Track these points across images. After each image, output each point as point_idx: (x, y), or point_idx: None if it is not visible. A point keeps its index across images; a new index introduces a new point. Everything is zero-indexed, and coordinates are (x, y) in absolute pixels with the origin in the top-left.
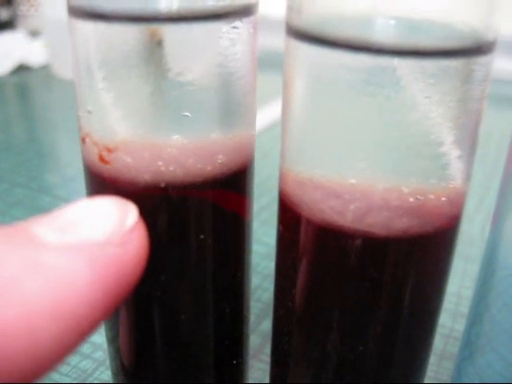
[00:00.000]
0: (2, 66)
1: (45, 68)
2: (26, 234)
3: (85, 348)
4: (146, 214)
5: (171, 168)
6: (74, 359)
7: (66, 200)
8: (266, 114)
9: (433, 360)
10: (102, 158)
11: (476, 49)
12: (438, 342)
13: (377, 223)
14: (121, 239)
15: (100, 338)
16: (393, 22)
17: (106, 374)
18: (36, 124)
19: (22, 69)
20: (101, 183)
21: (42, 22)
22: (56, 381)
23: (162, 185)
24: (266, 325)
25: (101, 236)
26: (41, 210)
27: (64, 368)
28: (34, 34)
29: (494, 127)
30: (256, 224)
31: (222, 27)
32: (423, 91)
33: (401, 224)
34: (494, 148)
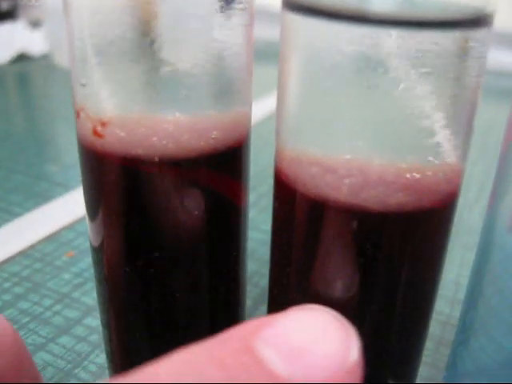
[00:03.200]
0: (3, 55)
1: (45, 57)
2: (252, 354)
3: (80, 331)
4: (139, 190)
5: (164, 142)
6: (69, 342)
7: (64, 186)
8: (265, 104)
9: (430, 346)
10: (95, 132)
11: (474, 21)
12: (436, 329)
13: (372, 198)
14: (345, 374)
15: (95, 321)
16: None
17: (102, 357)
18: (36, 113)
19: (22, 58)
20: (94, 157)
21: (43, 11)
22: (51, 363)
23: (156, 159)
24: (263, 310)
25: (328, 373)
26: (38, 196)
27: (59, 351)
28: (35, 23)
29: (494, 119)
30: (255, 212)
31: (218, 2)
32: (419, 66)
33: (396, 199)
34: (494, 139)
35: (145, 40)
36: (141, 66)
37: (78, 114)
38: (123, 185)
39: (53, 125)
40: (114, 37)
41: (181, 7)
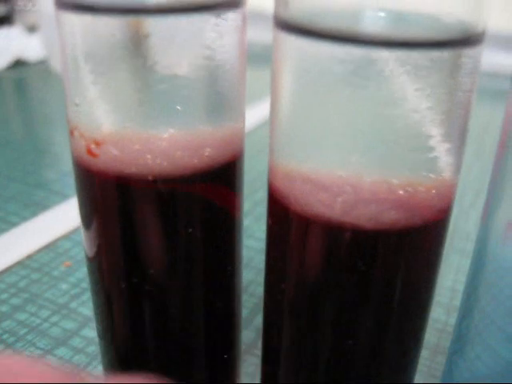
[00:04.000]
0: (0, 61)
1: (42, 63)
2: None
3: (77, 342)
4: (133, 207)
5: (158, 161)
6: (67, 354)
7: (61, 194)
8: (261, 110)
9: (426, 354)
10: (89, 151)
11: (464, 40)
12: (432, 337)
13: (365, 216)
14: None
15: (92, 332)
16: (381, 13)
17: (99, 369)
18: (33, 119)
19: (19, 64)
20: (89, 176)
21: (39, 17)
22: None
23: (150, 178)
24: (260, 319)
25: None
26: (36, 205)
27: (57, 362)
28: (32, 29)
29: (489, 122)
30: (250, 219)
31: (210, 19)
32: (411, 83)
33: (389, 217)
34: (490, 143)
35: (137, 58)
36: (134, 84)
37: (71, 133)
38: (118, 203)
39: (50, 131)
40: (107, 56)
41: (173, 25)
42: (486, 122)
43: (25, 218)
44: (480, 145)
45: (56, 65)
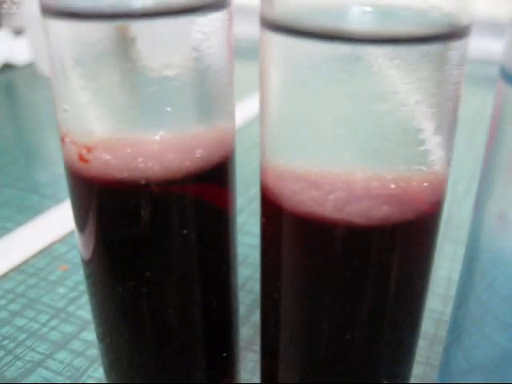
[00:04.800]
0: None
1: (29, 66)
2: None
3: (77, 345)
4: (127, 211)
5: (150, 164)
6: (67, 357)
7: (54, 198)
8: (253, 105)
9: (424, 345)
10: (81, 157)
11: (451, 34)
12: (429, 327)
13: (357, 212)
14: None
15: (91, 334)
16: (367, 9)
17: (100, 372)
18: (22, 123)
19: (6, 67)
20: (82, 182)
21: (25, 19)
22: (49, 380)
23: (142, 182)
24: (258, 316)
25: None
26: (29, 210)
27: (57, 366)
28: (18, 32)
29: (482, 111)
30: (245, 216)
31: (197, 20)
32: (400, 78)
33: (382, 212)
34: (482, 132)
35: (125, 62)
36: (122, 88)
37: (62, 139)
38: (111, 207)
39: (40, 135)
40: (95, 62)
41: (159, 28)
42: (479, 111)
43: (19, 223)
44: (471, 132)
45: (43, 68)
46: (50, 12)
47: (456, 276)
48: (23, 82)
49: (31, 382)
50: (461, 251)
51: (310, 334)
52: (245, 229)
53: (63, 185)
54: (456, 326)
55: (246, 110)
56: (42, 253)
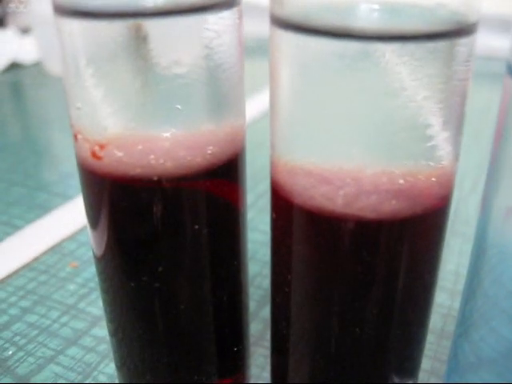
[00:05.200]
0: None
1: (37, 65)
2: None
3: (88, 342)
4: (140, 208)
5: (162, 161)
6: (78, 353)
7: (63, 196)
8: (262, 101)
9: (432, 339)
10: (94, 154)
11: (459, 31)
12: (437, 322)
13: (367, 207)
14: None
15: (102, 330)
16: (375, 7)
17: (111, 367)
18: (31, 122)
19: (14, 66)
20: (94, 179)
21: (32, 18)
22: (61, 375)
23: (155, 178)
24: (267, 311)
25: None
26: (39, 208)
27: (69, 362)
28: (25, 31)
29: (489, 106)
30: (253, 212)
31: (208, 19)
32: (408, 74)
33: (391, 207)
34: (489, 125)
35: (137, 60)
36: (134, 86)
37: (75, 137)
38: (124, 204)
39: (48, 133)
40: (107, 60)
41: (171, 27)
42: (485, 106)
43: (29, 221)
44: (479, 128)
45: (51, 66)
46: (63, 11)
47: (463, 271)
48: (30, 80)
49: (43, 377)
50: (468, 246)
51: (320, 328)
52: (253, 225)
53: (72, 183)
54: (464, 321)
55: (252, 106)
56: (53, 250)
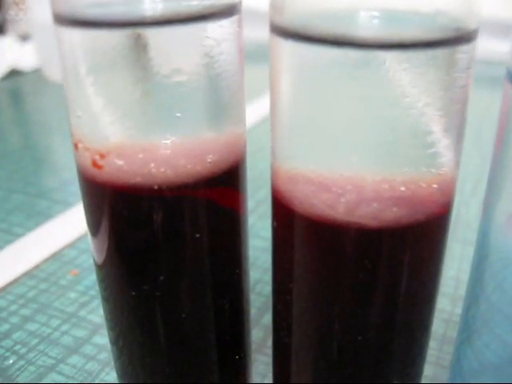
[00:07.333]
0: None
1: (36, 72)
2: None
3: (89, 350)
4: (140, 216)
5: (162, 169)
6: (79, 361)
7: (64, 203)
8: (262, 107)
9: (434, 345)
10: (94, 163)
11: (458, 38)
12: (439, 327)
13: (368, 214)
14: None
15: (103, 339)
16: (375, 15)
17: (112, 375)
18: (30, 129)
19: (13, 73)
20: (95, 188)
21: (31, 25)
22: None
23: (155, 186)
24: (268, 318)
25: None
26: (39, 215)
27: (70, 371)
28: (24, 38)
29: (488, 111)
30: (254, 218)
31: (208, 27)
32: (408, 82)
33: (392, 214)
34: (489, 129)
35: (137, 69)
36: (135, 94)
37: (75, 146)
38: (124, 212)
39: (48, 140)
40: (108, 69)
41: (171, 36)
42: (485, 111)
43: (29, 229)
44: (479, 133)
45: (50, 73)
46: (63, 20)
47: (464, 276)
48: (30, 87)
49: None
50: (468, 251)
51: (322, 335)
52: (254, 232)
53: (72, 190)
54: (466, 327)
55: (252, 111)
56: (53, 258)
